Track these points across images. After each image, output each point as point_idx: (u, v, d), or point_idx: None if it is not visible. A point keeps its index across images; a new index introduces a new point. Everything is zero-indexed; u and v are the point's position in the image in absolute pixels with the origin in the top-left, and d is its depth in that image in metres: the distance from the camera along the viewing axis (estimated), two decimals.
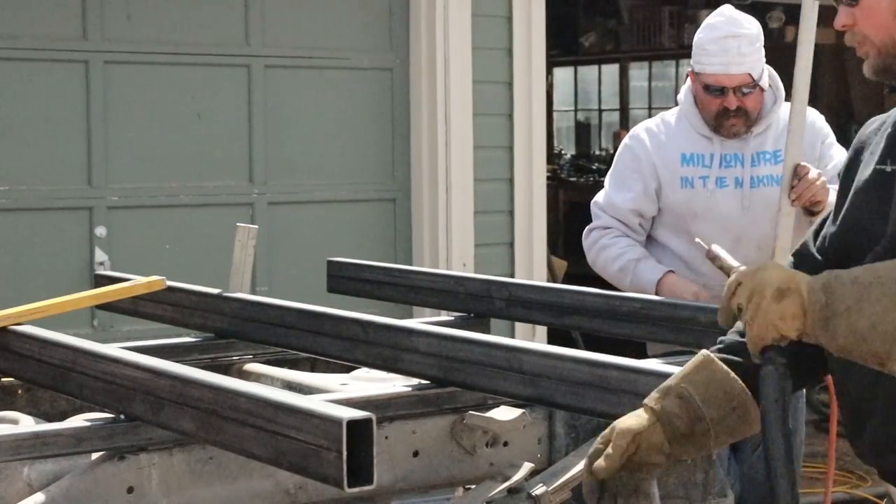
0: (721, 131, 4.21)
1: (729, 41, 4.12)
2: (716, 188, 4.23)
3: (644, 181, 4.28)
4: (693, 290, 4.12)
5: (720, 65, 4.14)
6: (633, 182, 4.31)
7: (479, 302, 4.23)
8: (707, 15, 4.42)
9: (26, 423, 3.10)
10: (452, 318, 4.28)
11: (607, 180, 4.41)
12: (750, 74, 4.14)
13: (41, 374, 3.21)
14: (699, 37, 4.23)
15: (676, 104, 4.44)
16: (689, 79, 4.36)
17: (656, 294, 4.11)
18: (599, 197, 4.40)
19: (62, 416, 3.44)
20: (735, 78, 4.13)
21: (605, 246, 4.30)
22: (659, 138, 4.31)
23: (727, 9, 4.26)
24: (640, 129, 4.39)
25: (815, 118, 4.31)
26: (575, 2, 14.65)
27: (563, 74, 17.70)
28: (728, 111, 4.16)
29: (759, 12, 12.12)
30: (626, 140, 4.42)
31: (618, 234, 4.30)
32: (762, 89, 4.24)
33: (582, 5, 15.03)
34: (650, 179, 4.27)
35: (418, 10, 7.26)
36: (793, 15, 12.52)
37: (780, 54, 7.01)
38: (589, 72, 17.87)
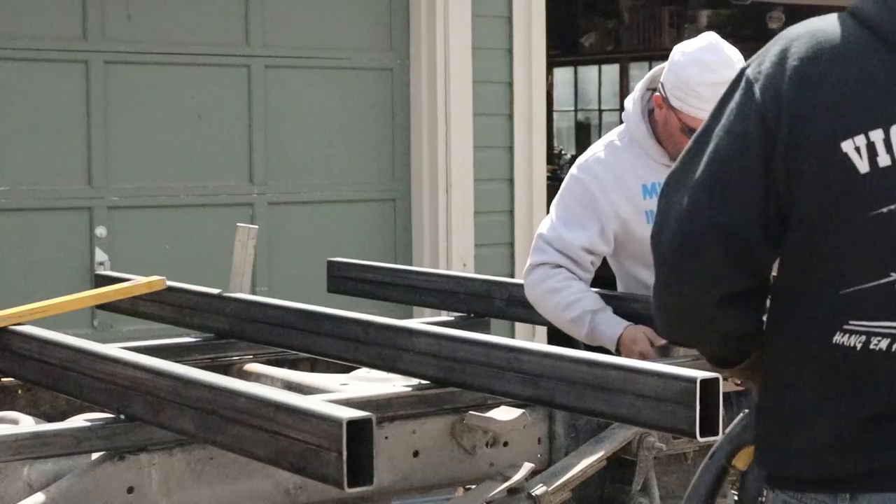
0: None
1: (724, 88, 3.88)
2: None
3: (601, 222, 3.86)
4: (658, 344, 3.69)
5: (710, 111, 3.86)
6: (588, 221, 3.88)
7: (479, 302, 4.23)
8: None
9: (26, 423, 3.10)
10: (452, 318, 4.28)
11: (555, 212, 3.93)
12: None
13: (41, 374, 3.21)
14: (689, 74, 3.76)
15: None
16: (642, 99, 3.96)
17: (616, 350, 3.71)
18: (545, 228, 3.93)
19: (62, 416, 3.45)
20: None
21: (554, 289, 3.84)
22: (615, 171, 3.90)
23: (720, 45, 3.82)
24: (591, 162, 3.94)
25: None
26: (575, 2, 14.65)
27: (563, 74, 17.70)
28: None
29: (759, 12, 12.15)
30: (576, 173, 3.95)
31: (568, 276, 3.85)
32: None
33: (582, 5, 15.04)
34: (609, 220, 3.86)
35: (418, 10, 7.26)
36: (792, 15, 12.54)
37: None
38: (589, 72, 17.87)
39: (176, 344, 3.85)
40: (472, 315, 4.27)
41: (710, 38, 3.89)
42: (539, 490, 3.14)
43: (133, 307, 4.10)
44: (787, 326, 2.12)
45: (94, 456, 2.84)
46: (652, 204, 3.82)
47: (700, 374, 2.60)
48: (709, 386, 2.61)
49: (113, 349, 3.07)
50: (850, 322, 2.04)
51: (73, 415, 3.39)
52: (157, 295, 3.92)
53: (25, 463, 2.79)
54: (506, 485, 3.13)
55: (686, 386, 2.60)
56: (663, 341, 3.61)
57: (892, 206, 2.00)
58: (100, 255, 6.52)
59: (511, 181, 7.50)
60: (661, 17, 14.41)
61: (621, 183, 3.89)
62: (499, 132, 7.46)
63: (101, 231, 6.54)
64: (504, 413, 3.16)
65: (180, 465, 2.87)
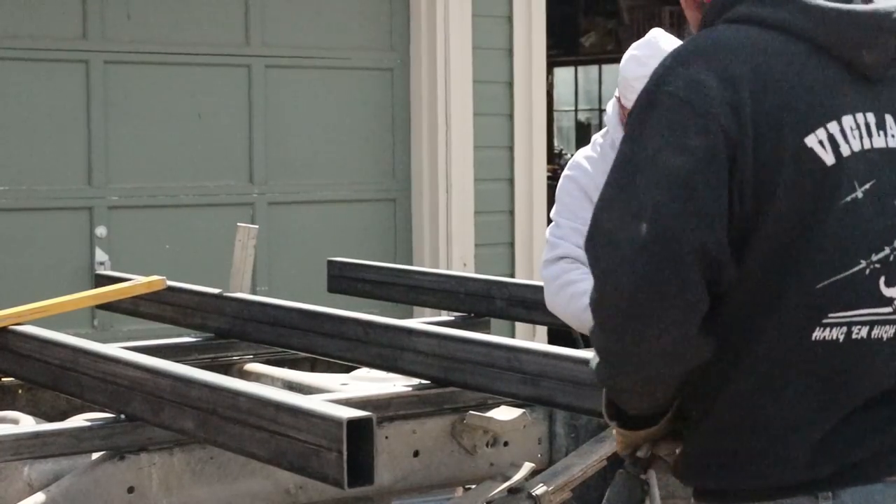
0: None
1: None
2: None
3: None
4: None
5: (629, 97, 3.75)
6: (586, 212, 3.73)
7: (479, 302, 4.23)
8: None
9: (26, 423, 3.10)
10: (452, 318, 4.28)
11: (555, 212, 3.99)
12: None
13: (41, 374, 3.21)
14: (626, 70, 3.80)
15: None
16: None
17: None
18: (550, 229, 3.97)
19: (62, 416, 3.44)
20: None
21: (572, 281, 3.82)
22: (602, 168, 3.88)
23: (656, 38, 3.82)
24: (579, 158, 4.03)
25: None
26: (575, 2, 14.65)
27: (563, 74, 17.70)
28: None
29: None
30: (567, 173, 4.02)
31: (586, 272, 3.82)
32: None
33: (582, 5, 15.03)
34: None
35: (418, 10, 7.26)
36: None
37: None
38: (589, 72, 17.87)
39: (176, 344, 3.85)
40: (472, 315, 4.27)
41: (650, 34, 3.90)
42: (539, 490, 3.14)
43: (133, 307, 4.11)
44: (758, 335, 2.05)
45: (94, 456, 2.84)
46: None
47: None
48: None
49: (113, 349, 3.07)
50: (829, 315, 2.02)
51: (73, 415, 3.39)
52: (157, 295, 3.92)
53: (25, 463, 2.79)
54: (506, 485, 3.13)
55: None
56: None
57: (857, 194, 2.02)
58: (100, 255, 6.52)
59: (511, 181, 7.50)
60: (661, 17, 14.41)
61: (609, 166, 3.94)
62: (499, 132, 7.46)
63: (101, 231, 6.54)
64: (504, 413, 3.16)
65: (180, 465, 2.87)
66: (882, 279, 2.03)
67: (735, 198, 2.00)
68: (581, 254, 3.90)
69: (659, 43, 3.80)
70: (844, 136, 2.04)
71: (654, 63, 3.68)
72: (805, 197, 2.01)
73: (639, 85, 3.72)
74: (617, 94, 4.01)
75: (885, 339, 2.05)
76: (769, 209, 2.01)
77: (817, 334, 2.03)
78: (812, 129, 2.03)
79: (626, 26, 15.33)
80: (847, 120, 2.04)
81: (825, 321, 2.03)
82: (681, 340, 2.00)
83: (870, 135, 2.05)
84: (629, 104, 3.83)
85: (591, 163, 3.99)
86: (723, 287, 2.01)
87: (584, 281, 3.84)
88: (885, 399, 2.06)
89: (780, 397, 2.05)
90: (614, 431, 2.25)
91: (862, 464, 2.04)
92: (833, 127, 2.03)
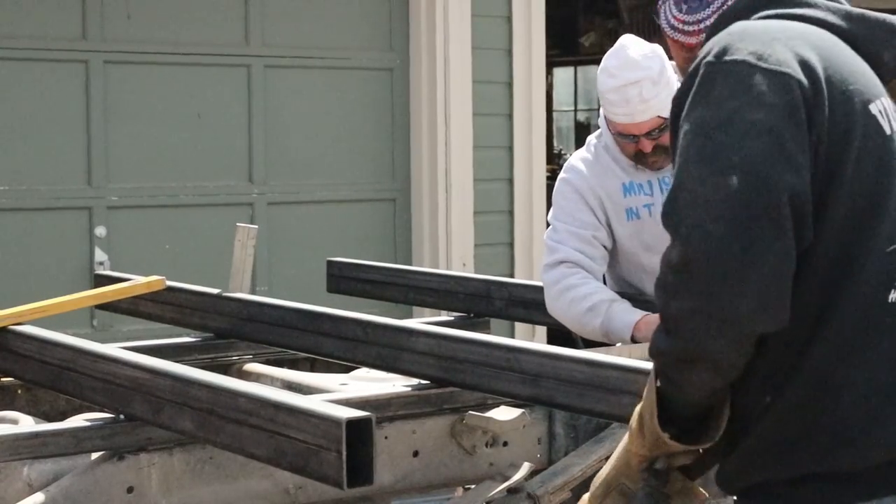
0: (643, 167, 3.90)
1: (629, 90, 3.75)
2: None
3: (594, 213, 3.92)
4: None
5: (624, 115, 3.78)
6: (584, 214, 3.94)
7: (479, 302, 4.23)
8: None
9: (26, 423, 3.10)
10: (452, 318, 4.28)
11: (553, 216, 4.00)
12: (659, 116, 3.76)
13: (41, 374, 3.21)
14: (600, 82, 3.83)
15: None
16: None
17: (632, 338, 3.69)
18: (548, 233, 3.99)
19: (62, 416, 3.45)
20: (643, 125, 3.78)
21: (571, 286, 3.84)
22: (595, 170, 3.97)
23: (624, 47, 3.84)
24: (575, 161, 4.02)
25: None
26: (575, 2, 14.65)
27: (563, 74, 17.70)
28: (644, 154, 3.84)
29: None
30: (563, 176, 4.03)
31: (585, 276, 3.86)
32: None
33: (582, 5, 15.03)
34: (599, 212, 3.92)
35: (418, 10, 7.26)
36: None
37: None
38: (589, 72, 17.87)
39: (176, 344, 3.85)
40: (472, 315, 4.27)
41: (620, 41, 3.91)
42: (539, 490, 3.14)
43: (133, 307, 4.10)
44: (838, 300, 2.03)
45: (94, 456, 2.84)
46: (631, 202, 3.90)
47: None
48: None
49: (113, 349, 3.07)
50: None
51: (73, 415, 3.39)
52: (156, 295, 3.92)
53: (25, 463, 2.79)
54: (506, 485, 3.13)
55: None
56: None
57: None
58: (100, 255, 6.52)
59: (511, 181, 7.50)
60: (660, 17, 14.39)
61: (602, 181, 3.94)
62: (499, 132, 7.46)
63: (100, 231, 6.54)
64: (504, 413, 3.16)
65: (180, 465, 2.87)
66: None
67: (812, 157, 2.00)
68: (580, 257, 3.91)
69: (628, 52, 3.81)
70: (886, 114, 2.09)
71: (626, 74, 3.77)
72: (872, 161, 2.04)
73: (611, 96, 3.80)
74: None
75: None
76: (843, 171, 2.02)
77: (892, 296, 2.03)
78: (873, 100, 2.08)
79: (626, 26, 15.33)
80: (885, 101, 2.10)
81: None
82: (776, 291, 1.94)
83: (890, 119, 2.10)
84: (607, 112, 3.85)
85: (586, 164, 3.99)
86: (800, 248, 1.98)
87: (584, 285, 3.83)
88: None
89: (864, 361, 2.03)
90: (636, 446, 2.20)
91: None
92: (881, 103, 2.09)
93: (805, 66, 2.02)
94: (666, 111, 3.74)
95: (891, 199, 2.04)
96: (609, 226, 3.93)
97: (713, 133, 1.99)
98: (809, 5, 2.16)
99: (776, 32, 2.08)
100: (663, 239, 4.12)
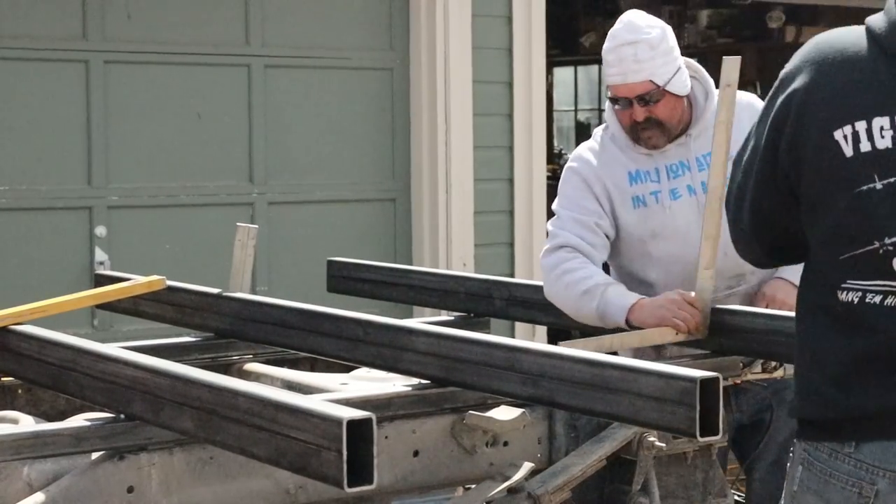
0: (640, 144, 3.93)
1: (624, 49, 3.81)
2: (671, 201, 3.93)
3: (599, 202, 3.95)
4: (671, 297, 3.71)
5: (618, 75, 3.83)
6: (589, 202, 3.97)
7: (479, 302, 4.23)
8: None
9: (26, 423, 3.10)
10: (452, 318, 4.28)
11: (557, 204, 4.03)
12: (651, 81, 3.80)
13: (41, 374, 3.21)
14: (603, 48, 3.92)
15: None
16: None
17: (627, 322, 3.73)
18: (552, 222, 4.01)
19: (62, 416, 3.44)
20: (635, 87, 3.82)
21: (570, 269, 3.87)
22: (602, 159, 4.00)
23: (629, 14, 3.94)
24: (582, 151, 4.06)
25: (753, 100, 4.00)
26: (575, 2, 14.65)
27: (563, 74, 17.70)
28: (637, 125, 3.87)
29: (759, 12, 12.14)
30: (569, 164, 4.06)
31: (584, 261, 3.89)
32: (678, 96, 3.90)
33: (582, 5, 15.04)
34: (604, 201, 3.95)
35: (418, 10, 7.26)
36: (793, 15, 12.54)
37: (779, 54, 7.01)
38: (589, 72, 17.88)
39: (176, 344, 3.85)
40: (472, 315, 4.27)
41: (627, 12, 4.00)
42: (539, 490, 3.14)
43: (133, 307, 4.10)
44: (806, 280, 2.51)
45: (94, 456, 2.84)
46: (637, 190, 3.94)
47: (700, 374, 2.61)
48: (708, 386, 2.61)
49: (113, 349, 3.06)
50: (848, 281, 2.40)
51: (73, 415, 3.39)
52: (156, 295, 3.91)
53: (25, 463, 2.79)
54: (506, 484, 3.13)
55: (686, 386, 2.61)
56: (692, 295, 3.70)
57: (871, 185, 2.36)
58: (100, 255, 6.52)
59: (511, 181, 7.50)
60: (660, 17, 14.42)
61: (609, 170, 3.96)
62: (499, 132, 7.46)
63: (100, 231, 6.55)
64: (504, 413, 3.16)
65: (180, 465, 2.87)
66: (894, 260, 2.36)
67: (780, 170, 2.48)
68: (580, 242, 3.94)
69: (631, 17, 3.93)
70: (870, 134, 2.37)
71: (624, 35, 4.02)
72: (826, 181, 2.41)
73: (609, 57, 3.93)
74: None
75: None
76: (801, 184, 2.45)
77: (840, 295, 2.41)
78: (842, 124, 2.38)
79: None
80: (880, 121, 2.37)
81: (844, 285, 2.40)
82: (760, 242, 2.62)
83: None
84: (607, 79, 3.93)
85: (592, 153, 4.03)
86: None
87: (581, 269, 3.86)
88: None
89: (813, 334, 2.46)
90: None
91: (881, 416, 2.36)
92: (861, 125, 2.37)
93: (788, 98, 2.45)
94: (661, 79, 3.87)
95: (845, 216, 2.39)
96: (614, 215, 3.95)
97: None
98: (887, 12, 2.43)
99: (821, 53, 2.46)
100: (669, 226, 4.18)
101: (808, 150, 2.41)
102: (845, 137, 2.37)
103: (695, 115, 4.01)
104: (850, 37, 2.44)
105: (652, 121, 3.86)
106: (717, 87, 3.81)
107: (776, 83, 2.51)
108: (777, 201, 2.49)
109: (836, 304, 2.41)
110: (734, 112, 3.64)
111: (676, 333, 3.64)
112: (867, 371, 2.37)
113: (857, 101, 2.38)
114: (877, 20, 2.42)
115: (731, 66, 3.61)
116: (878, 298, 2.37)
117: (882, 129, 2.36)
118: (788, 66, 2.49)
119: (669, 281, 3.88)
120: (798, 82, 2.44)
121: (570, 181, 4.02)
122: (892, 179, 2.35)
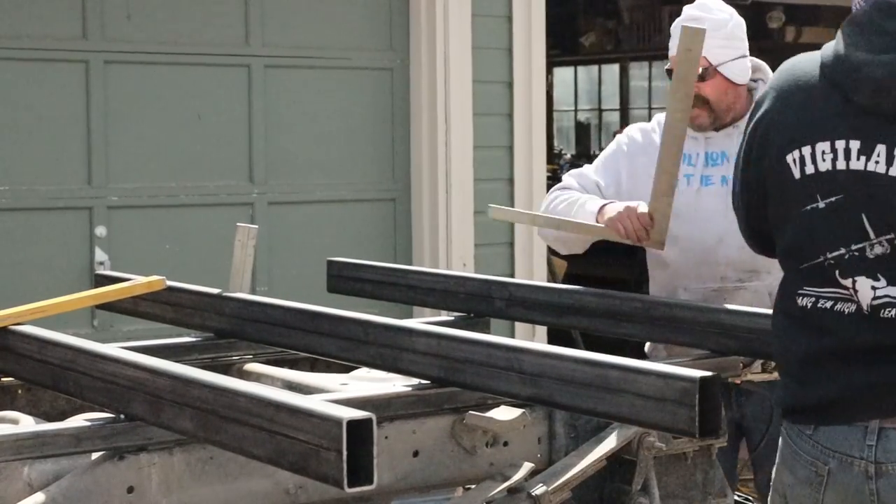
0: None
1: (688, 24, 3.90)
2: (701, 187, 4.07)
3: (619, 177, 4.16)
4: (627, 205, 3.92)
5: (675, 47, 3.91)
6: (607, 172, 4.18)
7: (479, 302, 4.23)
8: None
9: (26, 423, 3.09)
10: (452, 318, 4.28)
11: (589, 165, 4.32)
12: (705, 58, 3.90)
13: (41, 374, 3.21)
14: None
15: None
16: None
17: (597, 221, 3.94)
18: (570, 173, 4.32)
19: (62, 416, 3.44)
20: None
21: (555, 198, 4.14)
22: (650, 137, 4.16)
23: None
24: (634, 128, 4.28)
25: None
26: (575, 2, 14.66)
27: (563, 74, 17.72)
28: None
29: (759, 12, 12.14)
30: (619, 135, 4.31)
31: (571, 192, 4.15)
32: (731, 82, 4.04)
33: (582, 5, 15.04)
34: (626, 177, 4.14)
35: (418, 10, 7.26)
36: (793, 15, 12.54)
37: (780, 54, 7.01)
38: (589, 72, 17.89)
39: (176, 344, 3.85)
40: (472, 315, 4.26)
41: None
42: (539, 490, 3.14)
43: (133, 307, 4.10)
44: (780, 286, 2.83)
45: (94, 456, 2.83)
46: (686, 170, 4.08)
47: (700, 374, 2.61)
48: (709, 385, 2.61)
49: (113, 349, 3.06)
50: (804, 288, 2.73)
51: (73, 415, 3.38)
52: (156, 295, 3.91)
53: (25, 463, 2.79)
54: (506, 485, 3.13)
55: (686, 386, 2.61)
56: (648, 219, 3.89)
57: (814, 205, 2.68)
58: (100, 255, 6.52)
59: (511, 181, 7.50)
60: (661, 17, 14.40)
61: (651, 148, 4.08)
62: (499, 132, 7.46)
63: (100, 231, 6.55)
64: (504, 413, 3.16)
65: (180, 465, 2.87)
66: (837, 272, 2.66)
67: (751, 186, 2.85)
68: (577, 186, 4.15)
69: (707, 1, 4.07)
70: (814, 158, 2.67)
71: (693, 12, 3.99)
72: (781, 199, 2.74)
73: (674, 31, 3.99)
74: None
75: (846, 312, 2.67)
76: (767, 204, 2.81)
77: (798, 300, 2.75)
78: (792, 149, 2.70)
79: (626, 26, 15.35)
80: (822, 146, 2.66)
81: (800, 292, 2.74)
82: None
83: (847, 158, 2.63)
84: (670, 53, 4.04)
85: (641, 131, 4.22)
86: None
87: (565, 194, 4.10)
88: (859, 358, 2.66)
89: (781, 331, 2.79)
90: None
91: (833, 405, 2.67)
92: (806, 150, 2.68)
93: (757, 122, 2.79)
94: (715, 59, 4.01)
95: (796, 232, 2.73)
96: (633, 189, 4.09)
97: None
98: (832, 46, 2.71)
99: (785, 81, 2.77)
100: (693, 207, 4.32)
101: (769, 172, 2.75)
102: (794, 161, 2.68)
103: (746, 108, 4.06)
104: (807, 65, 2.73)
105: (700, 98, 3.95)
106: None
107: (754, 104, 2.83)
108: (754, 215, 2.86)
109: (795, 308, 2.74)
110: (697, 61, 3.80)
111: (619, 236, 3.88)
112: (821, 367, 2.69)
113: (805, 127, 2.68)
114: (826, 50, 2.69)
115: (693, 33, 3.78)
116: (829, 304, 2.69)
117: (823, 153, 2.65)
118: (762, 89, 2.81)
119: (686, 262, 4.02)
120: (764, 107, 2.76)
121: (610, 148, 4.28)
122: (832, 199, 2.66)
